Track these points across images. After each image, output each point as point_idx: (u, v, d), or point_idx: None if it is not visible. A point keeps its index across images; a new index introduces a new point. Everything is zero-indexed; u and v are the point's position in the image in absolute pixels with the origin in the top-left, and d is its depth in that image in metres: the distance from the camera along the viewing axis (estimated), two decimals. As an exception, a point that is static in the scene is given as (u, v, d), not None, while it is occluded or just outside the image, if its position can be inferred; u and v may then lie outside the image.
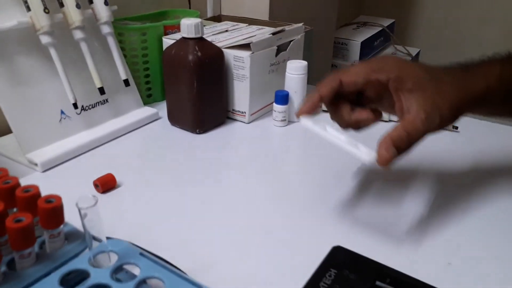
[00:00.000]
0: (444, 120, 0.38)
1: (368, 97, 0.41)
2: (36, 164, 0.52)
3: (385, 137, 0.37)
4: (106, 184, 0.48)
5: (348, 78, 0.39)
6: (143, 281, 0.32)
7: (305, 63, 0.63)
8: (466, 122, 0.64)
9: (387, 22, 1.42)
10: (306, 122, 0.39)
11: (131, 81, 0.64)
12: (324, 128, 0.38)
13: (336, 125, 0.41)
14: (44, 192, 0.35)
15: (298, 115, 0.40)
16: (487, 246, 0.41)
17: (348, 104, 0.41)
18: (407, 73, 0.38)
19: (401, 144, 0.36)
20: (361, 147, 0.37)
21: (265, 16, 0.85)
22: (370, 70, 0.39)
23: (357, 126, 0.41)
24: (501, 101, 0.43)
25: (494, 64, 0.42)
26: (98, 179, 0.48)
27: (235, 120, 0.66)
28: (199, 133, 0.62)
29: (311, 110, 0.39)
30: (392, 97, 0.39)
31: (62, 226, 0.34)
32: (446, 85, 0.39)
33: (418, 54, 1.43)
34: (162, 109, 0.67)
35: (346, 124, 0.41)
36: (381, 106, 0.42)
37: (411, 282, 0.34)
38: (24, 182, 0.47)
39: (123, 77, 0.60)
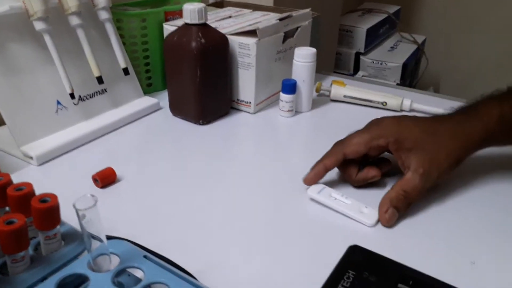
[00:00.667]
0: (443, 172, 0.41)
1: (372, 155, 0.45)
2: (31, 158, 0.50)
3: (384, 199, 0.40)
4: (105, 179, 0.46)
5: (351, 150, 0.43)
6: (148, 286, 0.29)
7: (313, 50, 0.60)
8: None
9: (392, 9, 1.38)
10: (312, 192, 0.43)
11: (131, 69, 0.61)
12: (329, 195, 0.42)
13: (342, 189, 0.45)
14: (40, 187, 0.32)
15: (306, 183, 0.44)
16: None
17: (355, 166, 0.45)
18: (404, 134, 0.42)
19: (399, 204, 0.40)
20: (365, 210, 0.41)
21: (269, 2, 0.81)
22: (370, 138, 0.43)
23: (366, 182, 0.45)
24: (506, 139, 0.44)
25: (492, 104, 0.43)
26: (97, 174, 0.46)
27: (240, 110, 0.63)
28: (203, 124, 0.59)
29: (316, 179, 0.44)
30: None
31: (58, 226, 0.31)
32: (444, 138, 0.42)
33: (424, 41, 1.39)
34: (163, 99, 0.64)
35: (355, 182, 0.45)
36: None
37: (434, 284, 0.32)
38: (18, 176, 0.44)
39: (122, 65, 0.57)
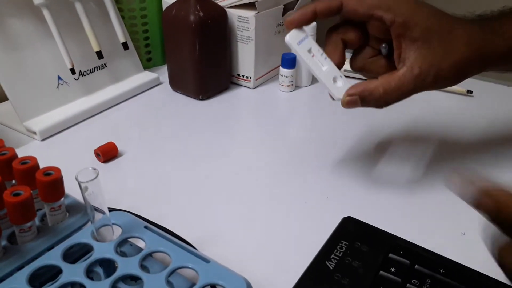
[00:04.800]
0: (442, 79, 0.35)
1: (372, 37, 0.38)
2: (34, 133, 0.51)
3: (360, 84, 0.35)
4: (107, 153, 0.47)
5: (350, 3, 0.35)
6: (149, 255, 0.31)
7: (314, 23, 0.59)
8: (481, 86, 0.61)
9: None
10: (292, 38, 0.35)
11: (130, 44, 0.61)
12: (309, 49, 0.36)
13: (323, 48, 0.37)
14: (44, 162, 0.33)
15: (287, 25, 0.36)
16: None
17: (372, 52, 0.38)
18: (417, 19, 0.34)
19: (370, 98, 0.35)
20: (340, 81, 0.37)
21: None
22: (377, 4, 0.35)
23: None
24: None
25: None
26: (99, 148, 0.47)
27: (240, 85, 0.64)
28: (202, 99, 0.60)
29: (302, 21, 0.35)
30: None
31: (62, 199, 0.33)
32: (456, 41, 0.35)
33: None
34: (163, 73, 0.64)
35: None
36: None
37: (425, 254, 0.33)
38: (22, 151, 0.45)
39: (122, 40, 0.57)
